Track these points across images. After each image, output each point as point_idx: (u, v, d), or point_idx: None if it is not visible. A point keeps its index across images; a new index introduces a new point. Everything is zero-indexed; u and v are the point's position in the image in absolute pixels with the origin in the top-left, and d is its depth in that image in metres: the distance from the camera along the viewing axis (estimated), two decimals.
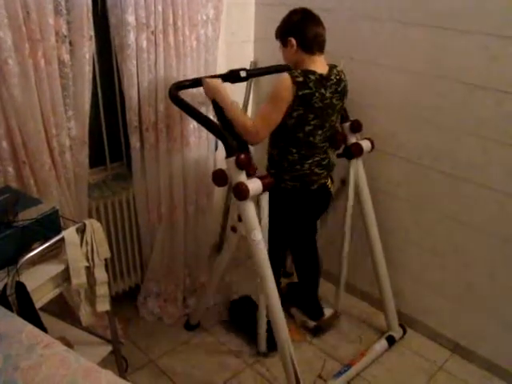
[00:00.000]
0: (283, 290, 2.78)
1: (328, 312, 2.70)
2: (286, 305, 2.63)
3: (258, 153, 2.28)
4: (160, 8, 2.12)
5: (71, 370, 1.11)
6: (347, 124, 2.38)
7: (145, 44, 2.15)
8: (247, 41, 2.91)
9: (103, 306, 1.81)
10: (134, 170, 2.43)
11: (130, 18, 2.06)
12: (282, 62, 2.23)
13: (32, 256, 1.56)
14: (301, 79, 1.96)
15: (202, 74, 2.42)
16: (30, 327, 1.27)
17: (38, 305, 1.56)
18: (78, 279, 1.68)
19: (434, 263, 2.50)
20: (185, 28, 2.25)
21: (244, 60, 2.89)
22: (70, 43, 1.94)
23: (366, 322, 2.76)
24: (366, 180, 2.44)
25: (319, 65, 2.06)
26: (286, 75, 1.97)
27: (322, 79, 2.02)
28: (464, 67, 2.10)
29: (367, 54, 2.42)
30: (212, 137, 2.58)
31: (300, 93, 1.96)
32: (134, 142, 2.34)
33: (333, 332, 2.68)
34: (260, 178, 1.99)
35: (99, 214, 2.42)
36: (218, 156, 2.71)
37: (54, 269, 1.65)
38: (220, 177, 2.01)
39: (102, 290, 1.78)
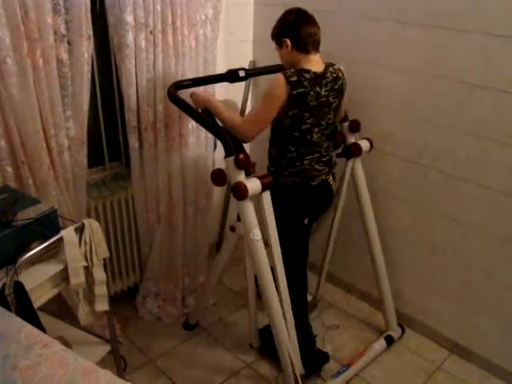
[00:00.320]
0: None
1: (308, 298, 2.61)
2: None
3: (259, 152, 2.28)
4: (159, 8, 2.12)
5: (70, 370, 1.11)
6: (346, 124, 2.38)
7: (143, 44, 2.14)
8: (246, 40, 2.91)
9: (102, 305, 1.81)
10: (133, 169, 2.42)
11: (129, 18, 2.06)
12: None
13: (31, 256, 1.55)
14: (294, 78, 1.96)
15: (200, 74, 2.42)
16: (28, 327, 1.26)
17: (36, 304, 1.56)
18: (77, 279, 1.68)
19: (433, 263, 2.50)
20: (183, 28, 2.25)
21: (243, 60, 2.89)
22: (69, 43, 1.94)
23: (364, 322, 2.76)
24: (365, 180, 2.44)
25: (314, 63, 2.06)
26: (279, 75, 1.98)
27: (317, 77, 2.03)
28: (463, 67, 2.10)
29: (366, 53, 2.42)
30: (211, 136, 2.58)
31: (294, 92, 1.96)
32: (133, 141, 2.34)
33: (332, 332, 2.67)
34: (259, 177, 1.99)
35: (98, 213, 2.42)
36: (216, 156, 2.71)
37: (52, 268, 1.64)
38: (219, 176, 2.01)
39: (101, 290, 1.78)
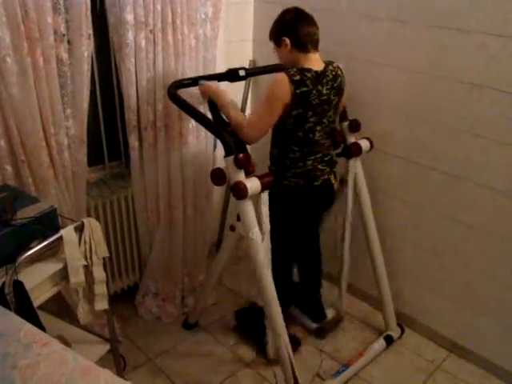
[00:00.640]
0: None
1: (330, 313, 2.66)
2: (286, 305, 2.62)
3: (260, 152, 2.28)
4: (159, 7, 2.12)
5: (69, 369, 1.11)
6: (346, 123, 2.38)
7: (143, 43, 2.14)
8: (246, 40, 2.91)
9: (101, 304, 1.81)
10: (133, 168, 2.42)
11: (129, 17, 2.06)
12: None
13: (30, 254, 1.55)
14: (298, 77, 1.96)
15: (200, 73, 2.41)
16: (27, 326, 1.26)
17: (36, 303, 1.56)
18: (77, 278, 1.68)
19: (432, 263, 2.50)
20: (183, 27, 2.25)
21: (243, 59, 2.89)
22: (69, 42, 1.94)
23: (364, 322, 2.76)
24: (365, 180, 2.44)
25: (314, 62, 2.06)
26: (282, 75, 1.96)
27: (318, 76, 2.03)
28: (463, 66, 2.10)
29: (365, 53, 2.42)
30: (210, 136, 2.58)
31: (298, 91, 1.96)
32: (133, 140, 2.34)
33: (331, 332, 2.68)
34: (259, 177, 1.99)
35: (98, 212, 2.42)
36: (216, 155, 2.71)
37: (52, 267, 1.64)
38: (218, 176, 2.01)
39: (101, 289, 1.78)
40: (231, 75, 2.28)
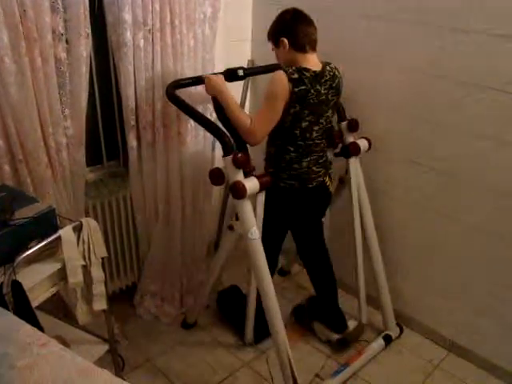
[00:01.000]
0: (305, 304, 2.72)
1: (352, 324, 2.60)
2: (308, 320, 2.65)
3: (257, 152, 2.28)
4: (157, 6, 2.11)
5: (68, 369, 1.11)
6: (344, 123, 2.38)
7: (142, 42, 2.14)
8: (245, 39, 2.91)
9: (100, 304, 1.81)
10: (131, 168, 2.42)
11: (127, 17, 2.05)
12: None
13: (28, 255, 1.55)
14: (296, 76, 1.96)
15: (199, 73, 2.41)
16: (26, 326, 1.26)
17: (34, 303, 1.56)
18: (75, 278, 1.68)
19: (432, 262, 2.50)
20: (182, 26, 2.24)
21: (241, 59, 2.89)
22: (67, 41, 1.94)
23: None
24: (364, 179, 2.44)
25: (312, 63, 2.06)
26: (280, 73, 1.96)
27: (317, 76, 2.03)
28: (462, 66, 2.10)
29: (365, 52, 2.42)
30: (209, 136, 2.58)
31: (296, 89, 1.96)
32: (131, 140, 2.33)
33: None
34: (257, 176, 1.99)
35: (96, 212, 2.42)
36: (215, 155, 2.71)
37: (50, 267, 1.64)
38: (217, 176, 2.01)
39: (99, 289, 1.78)
40: (230, 75, 2.27)
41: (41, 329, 1.42)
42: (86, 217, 2.16)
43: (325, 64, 2.11)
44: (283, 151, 2.13)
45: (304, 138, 2.09)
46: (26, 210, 1.63)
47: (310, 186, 2.19)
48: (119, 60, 2.15)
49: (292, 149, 2.11)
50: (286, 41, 2.05)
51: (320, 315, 2.63)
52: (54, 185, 2.05)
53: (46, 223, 1.64)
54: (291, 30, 2.04)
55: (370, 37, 2.38)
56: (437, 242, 2.45)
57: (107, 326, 1.98)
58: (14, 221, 1.56)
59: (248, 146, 2.08)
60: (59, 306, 2.17)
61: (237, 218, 2.09)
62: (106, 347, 2.02)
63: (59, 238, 1.62)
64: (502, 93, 2.01)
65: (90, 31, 1.97)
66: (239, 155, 1.92)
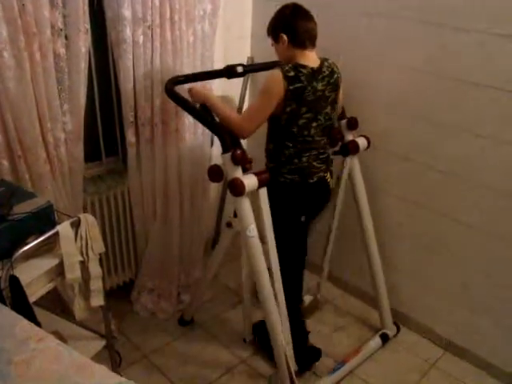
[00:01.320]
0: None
1: (307, 299, 2.70)
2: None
3: (256, 148, 2.28)
4: (157, 2, 2.11)
5: (64, 365, 1.11)
6: (344, 121, 2.38)
7: (141, 39, 2.13)
8: (244, 36, 2.91)
9: (97, 300, 1.81)
10: (130, 164, 2.42)
11: (127, 13, 2.05)
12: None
13: (26, 250, 1.55)
14: (292, 74, 1.96)
15: (198, 70, 2.41)
16: (23, 321, 1.26)
17: (31, 299, 1.55)
18: (73, 274, 1.67)
19: (429, 261, 2.51)
20: (182, 23, 2.24)
21: (241, 55, 2.89)
22: (66, 37, 1.93)
23: (360, 320, 2.76)
24: (363, 178, 2.44)
25: (311, 59, 2.06)
26: (276, 71, 1.98)
27: (314, 72, 2.03)
28: (462, 65, 2.10)
29: (364, 50, 2.42)
30: (208, 132, 2.58)
31: (291, 87, 1.96)
32: (130, 136, 2.33)
33: (328, 329, 2.68)
34: (256, 173, 1.98)
35: (94, 208, 2.42)
36: (213, 152, 2.71)
37: (48, 263, 1.64)
38: (216, 172, 2.01)
39: (96, 285, 1.78)
40: (229, 72, 2.27)
41: (38, 324, 1.42)
42: (84, 212, 2.16)
43: (323, 60, 2.11)
44: (282, 147, 2.13)
45: (302, 135, 2.09)
46: (25, 205, 1.62)
47: (311, 181, 2.19)
48: (118, 56, 2.15)
49: (291, 145, 2.11)
50: (284, 37, 2.05)
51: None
52: (53, 180, 2.05)
53: (44, 218, 1.64)
54: (291, 25, 2.04)
55: (370, 34, 2.37)
56: (435, 241, 2.45)
57: (104, 322, 1.98)
58: (13, 216, 1.56)
59: (242, 141, 2.07)
60: (56, 302, 2.17)
61: (235, 215, 2.09)
62: (102, 343, 2.02)
63: (57, 233, 1.62)
64: (502, 91, 2.01)
65: (89, 27, 1.97)
66: (238, 152, 1.92)
